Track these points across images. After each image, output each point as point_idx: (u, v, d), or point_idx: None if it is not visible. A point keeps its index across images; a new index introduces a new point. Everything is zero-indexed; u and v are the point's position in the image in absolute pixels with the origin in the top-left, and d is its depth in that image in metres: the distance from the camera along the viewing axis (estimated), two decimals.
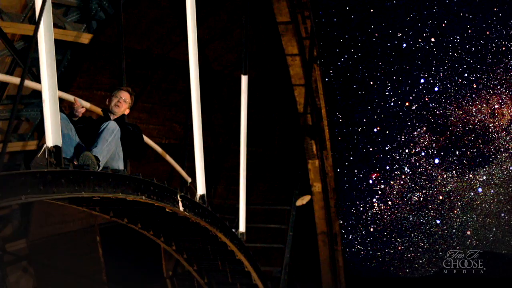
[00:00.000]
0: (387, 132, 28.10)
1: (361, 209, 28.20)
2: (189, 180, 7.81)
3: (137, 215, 7.40)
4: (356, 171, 28.11)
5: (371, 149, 28.15)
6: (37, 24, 4.54)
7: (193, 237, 8.35)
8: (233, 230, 8.54)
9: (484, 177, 27.53)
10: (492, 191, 27.51)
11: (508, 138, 27.27)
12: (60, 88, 4.84)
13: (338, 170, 13.74)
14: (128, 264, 12.74)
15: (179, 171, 7.77)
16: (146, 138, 6.53)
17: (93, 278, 12.40)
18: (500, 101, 27.42)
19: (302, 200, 13.36)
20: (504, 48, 27.20)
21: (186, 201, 6.68)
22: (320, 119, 13.35)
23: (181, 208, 6.53)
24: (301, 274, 15.11)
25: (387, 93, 27.98)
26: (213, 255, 9.02)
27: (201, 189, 7.28)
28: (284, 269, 12.49)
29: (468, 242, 27.45)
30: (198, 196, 7.24)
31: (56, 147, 4.58)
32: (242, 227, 8.88)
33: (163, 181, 6.21)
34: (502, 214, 27.32)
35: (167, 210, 6.50)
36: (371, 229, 28.22)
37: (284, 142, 14.45)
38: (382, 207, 28.25)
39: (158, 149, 7.40)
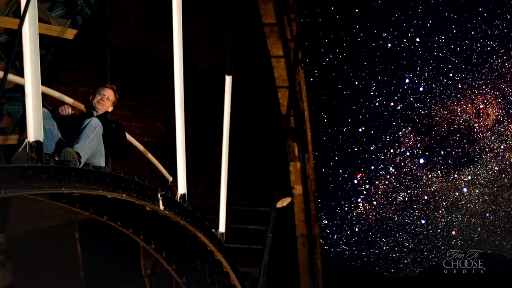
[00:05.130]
0: (372, 132, 28.27)
1: (346, 209, 28.33)
2: (170, 179, 7.81)
3: (117, 213, 7.38)
4: (341, 171, 28.25)
5: (356, 149, 28.28)
6: (21, 18, 4.53)
7: (172, 236, 8.35)
8: (213, 230, 8.54)
9: (469, 177, 27.74)
10: (477, 191, 27.74)
11: (493, 138, 27.52)
12: (43, 83, 4.83)
13: (323, 170, 13.84)
14: (107, 261, 12.68)
15: (161, 169, 7.77)
16: (128, 136, 6.52)
17: (70, 275, 12.32)
18: (485, 101, 27.66)
19: (283, 202, 13.37)
20: (489, 48, 27.41)
21: (167, 200, 6.68)
22: (303, 121, 13.39)
23: (162, 207, 6.54)
24: (280, 276, 15.14)
25: (372, 93, 28.15)
26: (192, 255, 9.01)
27: (182, 188, 7.28)
28: (263, 270, 12.51)
29: (453, 242, 27.67)
30: (179, 195, 7.23)
31: (37, 142, 4.57)
32: (222, 228, 8.88)
33: (144, 179, 6.21)
34: (487, 214, 27.55)
35: (147, 208, 6.49)
36: (356, 229, 28.36)
37: (266, 143, 14.48)
38: (367, 207, 28.41)
39: (140, 147, 7.40)
